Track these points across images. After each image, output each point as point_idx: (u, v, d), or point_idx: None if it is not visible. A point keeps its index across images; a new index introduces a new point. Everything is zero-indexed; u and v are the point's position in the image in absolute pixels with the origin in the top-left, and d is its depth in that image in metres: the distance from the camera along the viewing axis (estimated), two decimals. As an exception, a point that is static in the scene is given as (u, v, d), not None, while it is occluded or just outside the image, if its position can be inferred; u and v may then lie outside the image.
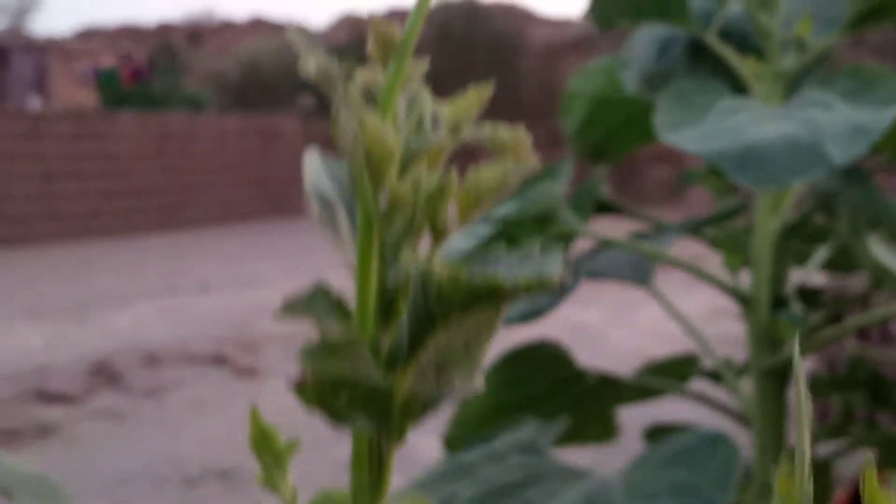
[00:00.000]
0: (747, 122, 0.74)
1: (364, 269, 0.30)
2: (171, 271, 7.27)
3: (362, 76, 0.30)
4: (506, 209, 0.84)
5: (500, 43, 13.57)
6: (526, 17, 15.88)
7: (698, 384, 1.10)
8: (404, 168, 0.29)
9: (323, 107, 14.72)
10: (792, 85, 0.86)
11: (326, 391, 0.28)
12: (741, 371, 0.99)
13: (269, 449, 0.35)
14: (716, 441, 0.78)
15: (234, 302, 6.04)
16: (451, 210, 0.30)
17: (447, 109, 0.31)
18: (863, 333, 1.88)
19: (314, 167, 0.32)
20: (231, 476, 3.02)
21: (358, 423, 0.29)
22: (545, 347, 1.00)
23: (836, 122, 0.72)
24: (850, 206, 0.85)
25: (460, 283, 0.26)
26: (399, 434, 0.29)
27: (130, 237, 9.27)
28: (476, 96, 0.31)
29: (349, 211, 0.31)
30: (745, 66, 0.87)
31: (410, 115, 0.30)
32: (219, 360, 4.66)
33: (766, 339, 0.89)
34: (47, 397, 3.94)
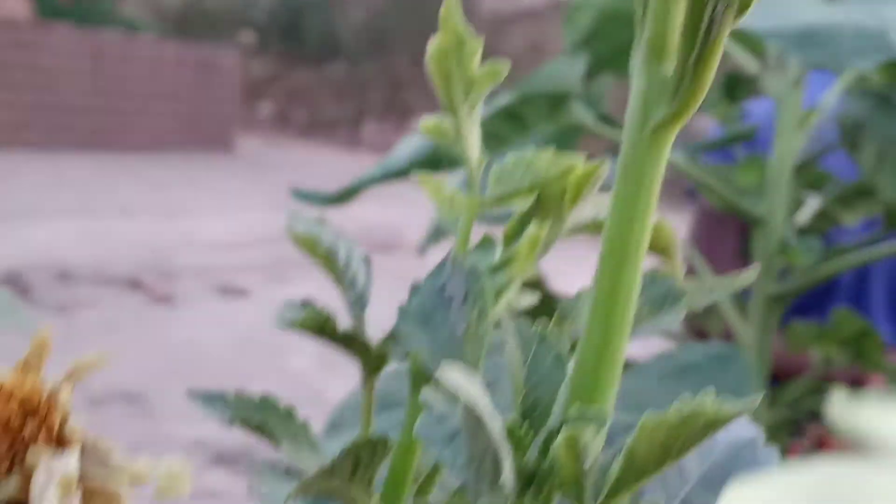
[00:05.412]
0: (808, 7, 0.71)
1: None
2: (94, 192, 7.12)
3: None
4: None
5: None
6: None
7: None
8: None
9: (264, 45, 14.46)
10: None
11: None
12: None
13: None
14: (727, 356, 0.75)
15: (155, 229, 5.95)
16: None
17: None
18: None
19: None
20: (136, 400, 2.98)
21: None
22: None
23: None
24: (879, 138, 0.82)
25: None
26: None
27: (56, 153, 9.05)
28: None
29: None
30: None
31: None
32: (134, 285, 4.60)
33: (775, 264, 0.87)
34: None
